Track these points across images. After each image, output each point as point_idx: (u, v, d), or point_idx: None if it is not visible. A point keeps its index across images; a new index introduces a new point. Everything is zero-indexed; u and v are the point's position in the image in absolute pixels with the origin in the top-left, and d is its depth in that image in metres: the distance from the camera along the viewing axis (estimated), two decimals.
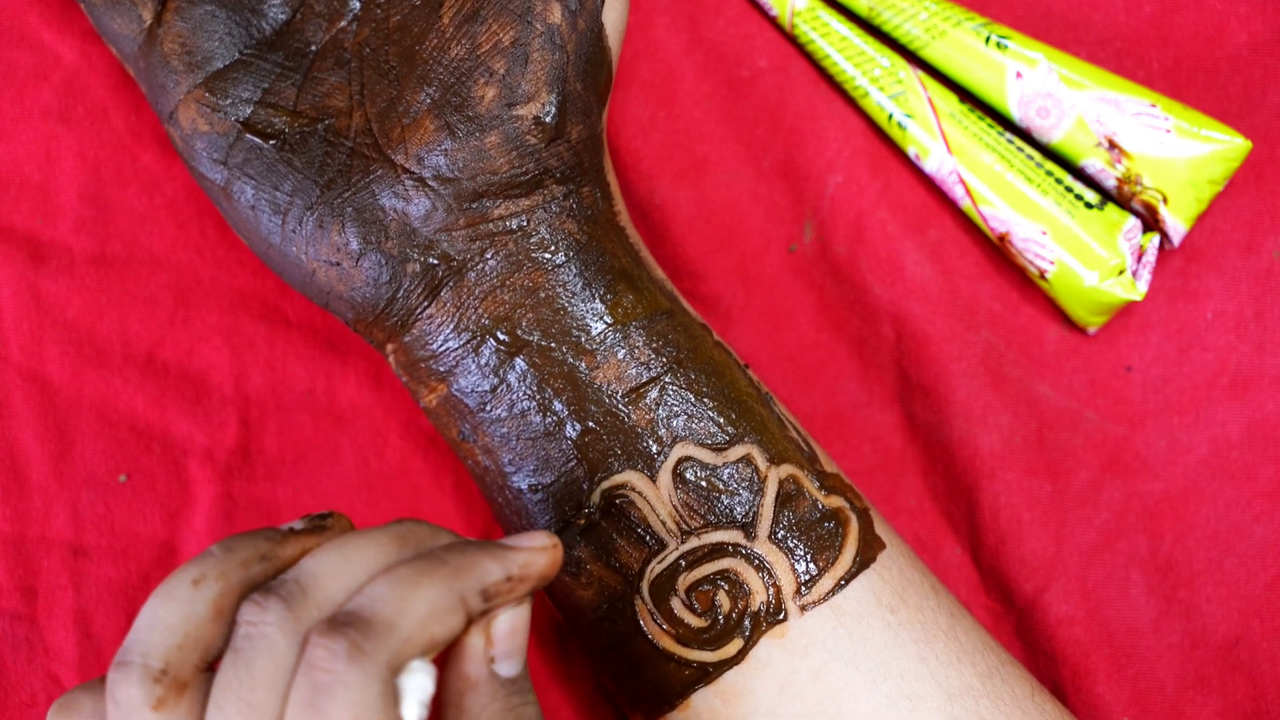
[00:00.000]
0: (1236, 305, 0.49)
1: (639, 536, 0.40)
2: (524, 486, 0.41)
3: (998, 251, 0.51)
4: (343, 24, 0.42)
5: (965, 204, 0.49)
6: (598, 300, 0.41)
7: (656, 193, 0.51)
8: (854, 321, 0.51)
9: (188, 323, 0.49)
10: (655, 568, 0.40)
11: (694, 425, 0.40)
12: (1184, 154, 0.47)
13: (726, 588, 0.40)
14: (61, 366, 0.49)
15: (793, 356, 0.51)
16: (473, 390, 0.41)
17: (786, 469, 0.41)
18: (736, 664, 0.40)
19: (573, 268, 0.41)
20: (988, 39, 0.49)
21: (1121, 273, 0.47)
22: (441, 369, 0.41)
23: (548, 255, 0.40)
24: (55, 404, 0.49)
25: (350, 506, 0.50)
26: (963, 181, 0.49)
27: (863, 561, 0.41)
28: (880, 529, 0.42)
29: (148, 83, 0.41)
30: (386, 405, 0.50)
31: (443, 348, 0.41)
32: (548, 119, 0.40)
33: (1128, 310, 0.50)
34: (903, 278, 0.50)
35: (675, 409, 0.40)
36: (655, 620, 0.40)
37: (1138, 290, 0.47)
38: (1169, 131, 0.47)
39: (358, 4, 0.42)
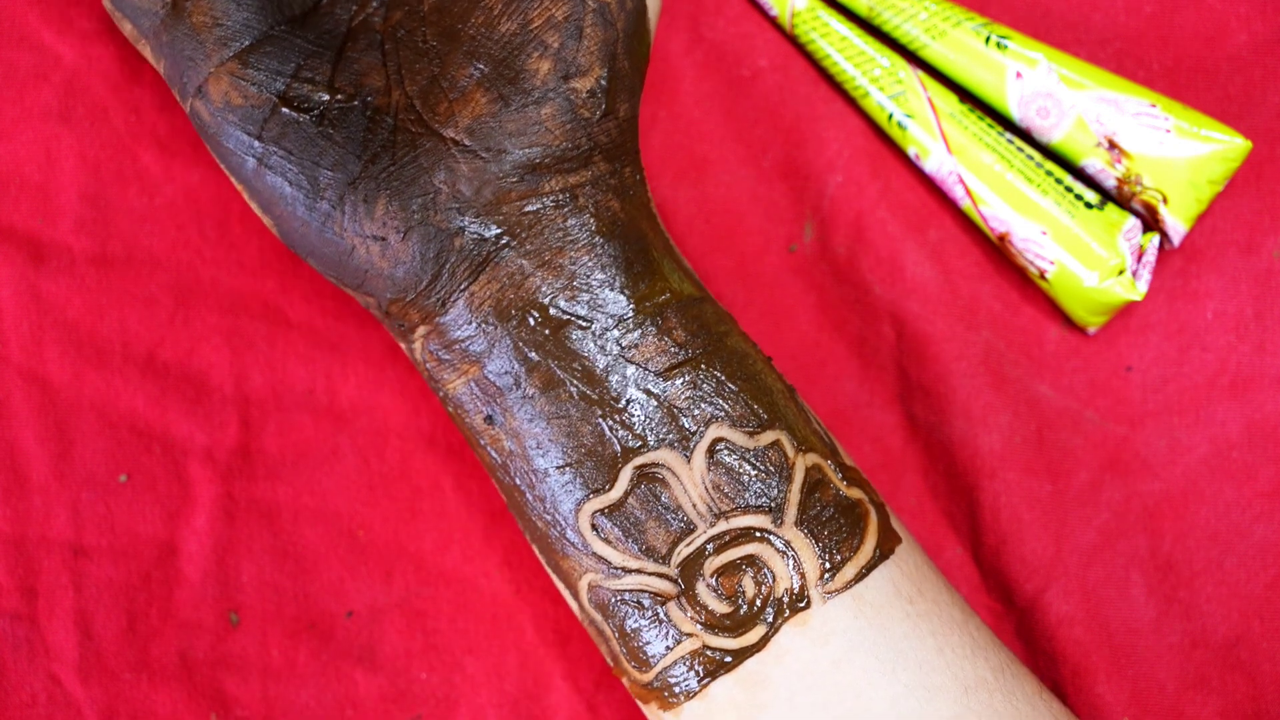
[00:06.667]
0: (1236, 305, 0.49)
1: (667, 518, 0.40)
2: (551, 467, 0.40)
3: (998, 252, 0.51)
4: (371, 8, 0.42)
5: (965, 204, 0.49)
6: (638, 281, 0.40)
7: (656, 193, 0.51)
8: (854, 321, 0.51)
9: (188, 323, 0.50)
10: (683, 550, 0.40)
11: (728, 407, 0.40)
12: (1184, 154, 0.47)
13: (752, 573, 0.39)
14: (61, 367, 0.49)
15: (793, 356, 0.51)
16: (506, 371, 0.40)
17: (812, 457, 0.41)
18: (758, 651, 0.39)
19: (614, 247, 0.40)
20: (988, 39, 0.49)
21: (1121, 273, 0.47)
22: (477, 349, 0.40)
23: (591, 233, 0.40)
24: (55, 404, 0.49)
25: (351, 507, 0.50)
26: (962, 182, 0.49)
27: (884, 552, 0.40)
28: (895, 524, 0.42)
29: (171, 58, 0.41)
30: (387, 405, 0.50)
31: (481, 327, 0.40)
32: (601, 93, 0.40)
33: (1128, 310, 0.50)
34: (903, 278, 0.50)
35: (710, 391, 0.40)
36: (681, 606, 0.40)
37: (1138, 290, 0.47)
38: (1169, 131, 0.47)
39: None
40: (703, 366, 0.40)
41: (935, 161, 0.49)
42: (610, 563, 0.40)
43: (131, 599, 0.48)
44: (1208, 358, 0.49)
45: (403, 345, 0.42)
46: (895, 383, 0.51)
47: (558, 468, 0.40)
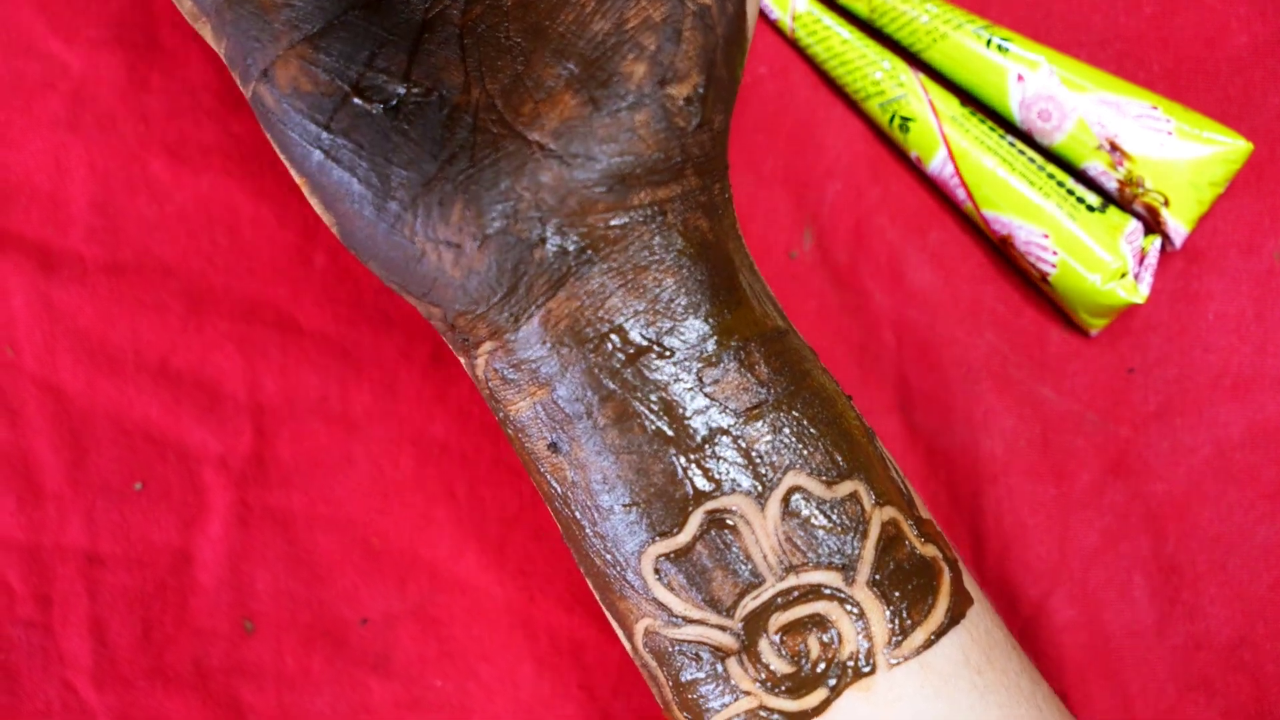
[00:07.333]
0: (1238, 306, 0.50)
1: (736, 568, 0.37)
2: (616, 504, 0.37)
3: (1000, 255, 0.51)
4: (448, 1, 0.39)
5: (967, 207, 0.49)
6: (724, 309, 0.38)
7: None
8: (854, 328, 0.51)
9: (200, 330, 0.50)
10: (749, 603, 0.37)
11: (807, 454, 0.37)
12: (1185, 156, 0.48)
13: (818, 633, 0.37)
14: (75, 375, 0.49)
15: None
16: (578, 398, 0.37)
17: (889, 511, 0.38)
18: (817, 716, 0.37)
19: (701, 270, 0.38)
20: (989, 42, 0.49)
21: (1123, 275, 0.47)
22: (548, 372, 0.37)
23: (678, 253, 0.37)
24: (69, 413, 0.49)
25: (365, 514, 0.50)
26: (964, 184, 0.49)
27: (954, 617, 0.38)
28: (967, 582, 0.39)
29: (234, 38, 0.38)
30: (400, 413, 0.50)
31: (554, 348, 0.37)
32: (698, 101, 0.37)
33: (1129, 312, 0.50)
34: (903, 283, 0.50)
35: (790, 435, 0.37)
36: (741, 662, 0.37)
37: (1140, 293, 0.47)
38: (1170, 134, 0.48)
39: None
40: (785, 407, 0.37)
41: (937, 164, 0.49)
42: (671, 610, 0.37)
43: (146, 607, 0.49)
44: (1209, 359, 0.50)
45: (463, 360, 0.40)
46: (895, 389, 0.51)
47: (624, 506, 0.37)
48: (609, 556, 0.38)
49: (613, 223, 0.37)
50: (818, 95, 0.52)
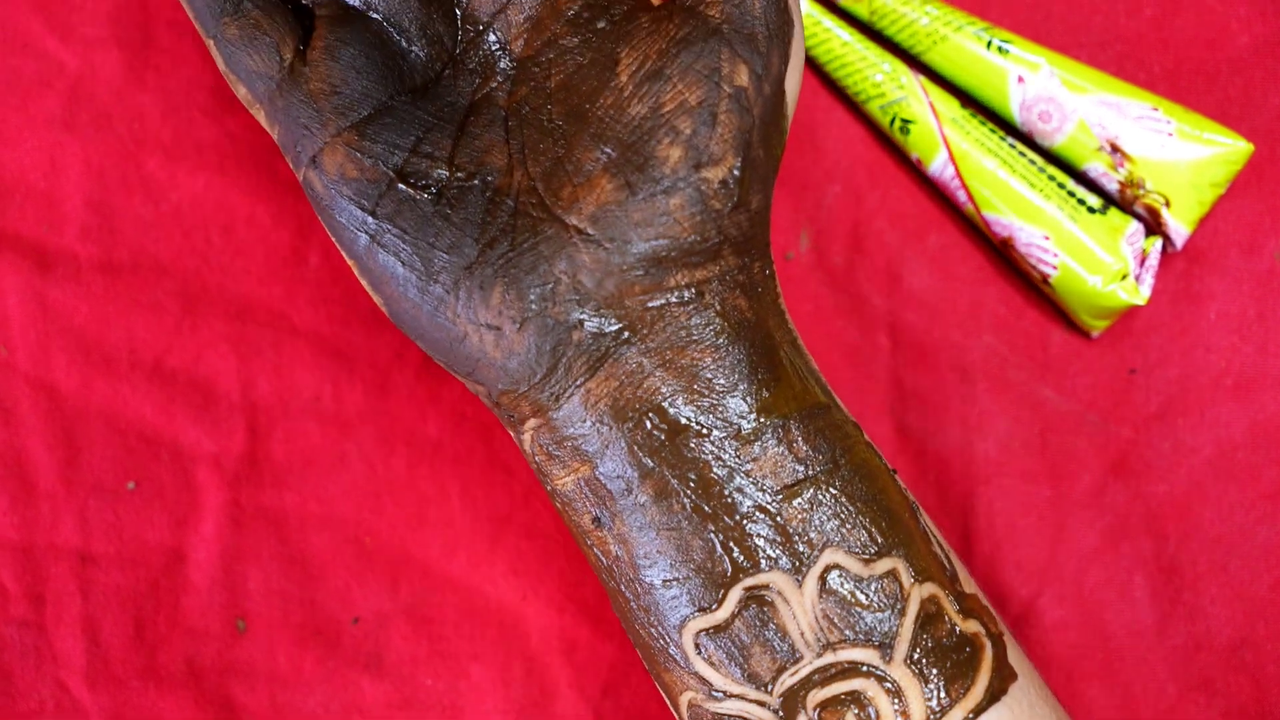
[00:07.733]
0: (1239, 307, 0.49)
1: (774, 644, 0.37)
2: (658, 581, 0.38)
3: (1000, 257, 0.51)
4: (495, 83, 0.40)
5: (968, 209, 0.49)
6: (762, 387, 0.38)
7: None
8: (848, 330, 0.51)
9: (195, 330, 0.50)
10: (787, 680, 0.37)
11: (845, 531, 0.38)
12: (1186, 157, 0.47)
13: (856, 710, 0.37)
14: (69, 374, 0.49)
15: None
16: (619, 474, 0.38)
17: (929, 588, 0.38)
18: None
19: (739, 349, 0.38)
20: (989, 44, 0.49)
21: (1124, 277, 0.47)
22: (589, 449, 0.38)
23: (715, 333, 0.38)
24: (63, 411, 0.49)
25: (357, 514, 0.50)
26: (965, 186, 0.49)
27: (994, 694, 0.38)
28: (1013, 656, 0.39)
29: (285, 125, 0.39)
30: (393, 413, 0.50)
31: (595, 426, 0.38)
32: (734, 184, 0.38)
33: (1131, 313, 0.50)
34: (900, 286, 0.50)
35: (828, 512, 0.38)
36: None
37: (1141, 295, 0.47)
38: (1171, 135, 0.47)
39: (506, 63, 0.40)
40: (824, 484, 0.38)
41: (937, 167, 0.49)
42: (711, 685, 0.38)
43: (139, 606, 0.49)
44: (1211, 359, 0.50)
45: (512, 434, 0.40)
46: (888, 392, 0.51)
47: (664, 581, 0.38)
48: (653, 630, 0.38)
49: (650, 304, 0.38)
50: (818, 98, 0.52)
